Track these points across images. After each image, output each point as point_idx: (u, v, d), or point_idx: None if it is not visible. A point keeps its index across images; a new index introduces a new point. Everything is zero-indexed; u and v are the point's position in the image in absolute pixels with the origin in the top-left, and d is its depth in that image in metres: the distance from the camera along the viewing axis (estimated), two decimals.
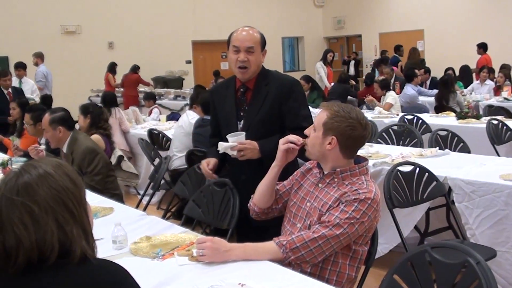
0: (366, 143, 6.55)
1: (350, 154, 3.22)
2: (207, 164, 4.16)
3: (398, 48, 17.62)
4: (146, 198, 6.48)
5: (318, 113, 3.27)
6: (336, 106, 3.21)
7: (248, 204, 3.63)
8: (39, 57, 14.51)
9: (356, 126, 3.12)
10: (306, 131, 3.31)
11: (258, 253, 3.03)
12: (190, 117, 7.51)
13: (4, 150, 8.29)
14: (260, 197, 3.53)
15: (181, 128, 7.55)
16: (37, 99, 12.08)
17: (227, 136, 3.88)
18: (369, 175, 3.25)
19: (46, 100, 11.47)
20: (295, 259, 3.00)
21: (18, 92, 11.01)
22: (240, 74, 4.00)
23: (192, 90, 13.40)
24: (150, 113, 11.97)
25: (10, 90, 10.82)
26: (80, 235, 1.97)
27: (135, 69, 16.88)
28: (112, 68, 16.81)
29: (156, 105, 12.65)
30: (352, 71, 21.54)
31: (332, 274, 3.14)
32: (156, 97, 13.88)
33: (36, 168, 2.00)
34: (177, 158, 7.35)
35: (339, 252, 3.10)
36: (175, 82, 18.96)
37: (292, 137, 3.38)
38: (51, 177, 1.98)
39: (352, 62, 22.11)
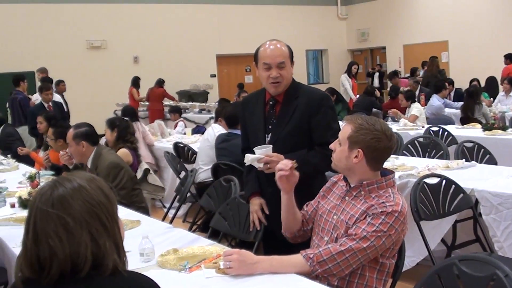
0: (392, 155, 6.53)
1: (377, 166, 3.21)
2: (259, 207, 4.14)
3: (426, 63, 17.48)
4: (172, 211, 6.50)
5: (342, 127, 3.27)
6: (360, 119, 3.20)
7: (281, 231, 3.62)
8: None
9: (381, 137, 3.12)
10: (331, 146, 3.30)
11: (285, 266, 3.03)
12: (216, 130, 7.52)
13: (32, 163, 8.38)
14: (285, 224, 3.54)
15: (207, 141, 7.57)
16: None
17: (254, 149, 3.87)
18: (396, 187, 3.23)
19: None
20: (322, 272, 2.99)
21: (58, 106, 11.26)
22: (273, 88, 3.97)
23: (217, 103, 13.47)
24: (175, 126, 12.01)
25: (50, 104, 11.02)
26: (112, 248, 2.00)
27: (160, 83, 16.97)
28: (135, 82, 16.88)
29: (182, 119, 12.70)
30: (376, 83, 21.46)
31: (359, 287, 3.13)
32: (181, 110, 13.95)
33: (71, 181, 2.03)
34: (203, 171, 7.37)
35: (366, 265, 3.09)
36: (200, 96, 19.03)
37: (280, 165, 3.36)
38: (85, 190, 2.01)
39: (377, 74, 22.03)
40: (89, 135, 5.67)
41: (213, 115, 14.07)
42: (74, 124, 5.92)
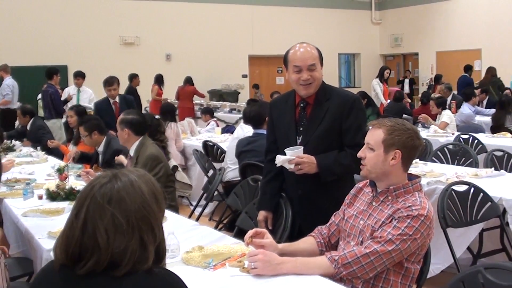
0: (421, 162, 6.51)
1: (408, 166, 3.23)
2: (265, 220, 4.23)
3: (469, 68, 17.25)
4: (198, 209, 6.53)
5: (369, 132, 3.26)
6: (388, 121, 3.22)
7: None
8: (3, 70, 14.06)
9: (414, 136, 3.16)
10: (359, 154, 3.28)
11: (309, 267, 3.02)
12: (245, 130, 7.53)
13: (61, 156, 8.46)
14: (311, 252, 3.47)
15: (236, 141, 7.59)
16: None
17: (285, 150, 3.89)
18: (422, 191, 3.22)
19: (9, 114, 11.68)
20: (347, 274, 2.98)
21: (128, 102, 9.77)
22: (304, 90, 3.99)
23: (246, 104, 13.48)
24: (207, 126, 12.04)
25: (117, 100, 9.64)
26: (153, 254, 2.03)
27: (190, 81, 16.98)
28: (159, 79, 16.73)
29: (214, 119, 12.71)
30: (407, 89, 21.32)
31: None
32: (213, 110, 13.98)
33: (132, 183, 2.05)
34: (231, 170, 7.38)
35: (391, 269, 3.08)
36: (230, 96, 19.07)
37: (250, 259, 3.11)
38: (144, 196, 2.04)
39: (407, 81, 21.89)
40: (133, 124, 5.71)
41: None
42: (126, 110, 5.97)
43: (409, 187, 3.17)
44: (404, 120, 3.27)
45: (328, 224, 3.52)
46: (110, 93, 9.58)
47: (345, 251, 3.04)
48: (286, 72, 4.08)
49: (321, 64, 4.02)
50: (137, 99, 15.10)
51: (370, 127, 3.30)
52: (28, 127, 9.86)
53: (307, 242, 3.51)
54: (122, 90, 16.01)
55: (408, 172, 3.27)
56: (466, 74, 17.07)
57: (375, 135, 3.21)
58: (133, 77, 15.72)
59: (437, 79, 18.19)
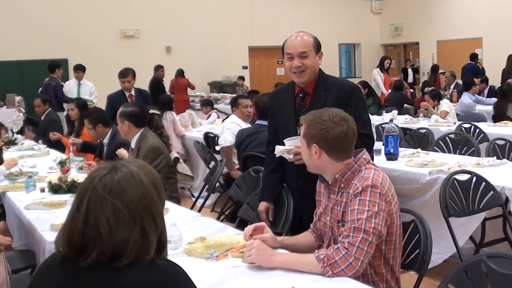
0: (422, 151, 6.50)
1: (341, 156, 3.15)
2: (266, 211, 4.24)
3: (475, 56, 17.15)
4: (200, 201, 6.53)
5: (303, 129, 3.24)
6: (310, 114, 3.19)
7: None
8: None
9: (329, 126, 3.09)
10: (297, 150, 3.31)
11: (299, 263, 2.98)
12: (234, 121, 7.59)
13: (63, 149, 8.46)
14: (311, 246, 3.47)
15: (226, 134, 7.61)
16: (95, 101, 12.31)
17: (284, 140, 3.89)
18: (370, 163, 3.19)
19: None
20: (335, 274, 2.88)
21: (143, 96, 9.29)
22: (297, 78, 4.02)
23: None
24: (208, 118, 12.04)
25: (132, 93, 9.08)
26: (155, 244, 2.03)
27: (182, 73, 16.96)
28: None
29: (215, 110, 12.71)
30: (411, 78, 21.28)
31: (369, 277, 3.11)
32: (212, 101, 13.99)
33: (132, 173, 2.05)
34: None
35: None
36: (231, 87, 19.07)
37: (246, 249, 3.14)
38: (143, 185, 2.04)
39: (410, 70, 21.84)
40: (133, 116, 5.71)
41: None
42: (125, 103, 5.96)
43: (354, 166, 3.15)
44: (329, 110, 3.20)
45: (313, 224, 3.53)
46: (124, 85, 9.03)
47: (331, 249, 2.96)
48: (283, 61, 4.10)
49: (317, 52, 4.02)
50: (162, 91, 15.15)
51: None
52: (42, 117, 9.87)
53: (306, 236, 3.52)
54: (108, 81, 16.22)
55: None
56: (472, 62, 16.97)
57: (301, 131, 3.22)
58: (158, 68, 15.89)
59: (434, 69, 18.15)
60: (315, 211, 3.51)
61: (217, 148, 7.55)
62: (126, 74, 9.07)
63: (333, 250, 2.95)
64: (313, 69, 4.00)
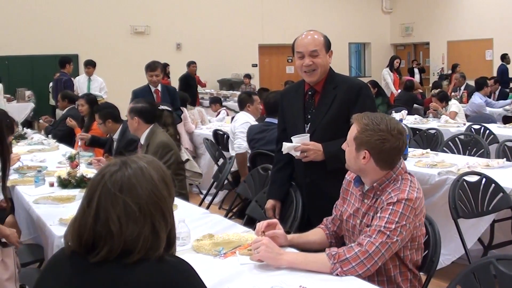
0: (432, 152, 6.49)
1: (388, 166, 3.12)
2: (273, 208, 4.25)
3: (504, 56, 16.92)
4: (208, 198, 6.53)
5: (351, 127, 3.20)
6: (366, 118, 3.12)
7: None
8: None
9: (386, 138, 3.04)
10: (343, 146, 3.26)
11: (308, 261, 2.97)
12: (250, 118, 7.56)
13: (72, 144, 8.48)
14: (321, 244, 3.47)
15: (231, 132, 7.60)
16: (105, 96, 12.34)
17: (291, 137, 3.90)
18: (407, 173, 3.17)
19: None
20: (345, 271, 2.88)
21: (170, 92, 8.74)
22: (307, 77, 4.01)
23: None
24: (217, 115, 12.04)
25: (159, 88, 8.53)
26: (165, 240, 2.03)
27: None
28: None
29: (224, 108, 12.70)
30: (417, 78, 21.20)
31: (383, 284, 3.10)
32: (222, 99, 13.99)
33: (142, 170, 2.05)
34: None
35: (388, 259, 3.03)
36: (240, 85, 19.07)
37: (254, 244, 3.14)
38: (154, 182, 2.04)
39: (417, 70, 21.75)
40: (143, 112, 5.73)
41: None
42: (135, 99, 5.96)
43: (392, 176, 3.13)
44: (386, 118, 3.14)
45: (331, 219, 3.52)
46: (152, 79, 8.42)
47: (343, 247, 2.99)
48: (294, 59, 4.09)
49: (327, 51, 4.01)
50: (194, 88, 15.19)
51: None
52: (64, 111, 9.92)
53: (317, 233, 3.50)
54: (118, 77, 16.23)
55: None
56: (503, 63, 16.74)
57: (351, 130, 3.17)
58: (190, 64, 16.15)
59: (454, 68, 18.02)
60: (337, 208, 3.49)
61: (231, 153, 7.49)
62: (155, 67, 8.47)
63: (345, 248, 2.96)
64: (324, 68, 3.99)
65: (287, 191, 4.26)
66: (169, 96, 8.52)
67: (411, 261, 3.14)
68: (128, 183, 1.99)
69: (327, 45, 4.01)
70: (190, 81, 15.83)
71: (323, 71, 3.99)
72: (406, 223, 2.95)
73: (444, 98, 10.86)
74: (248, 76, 19.12)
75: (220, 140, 8.61)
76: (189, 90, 14.69)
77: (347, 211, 3.35)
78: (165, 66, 16.02)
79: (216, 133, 8.79)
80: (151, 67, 8.45)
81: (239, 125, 7.51)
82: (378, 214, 3.00)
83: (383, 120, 3.09)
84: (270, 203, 4.27)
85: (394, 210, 2.95)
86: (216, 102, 12.81)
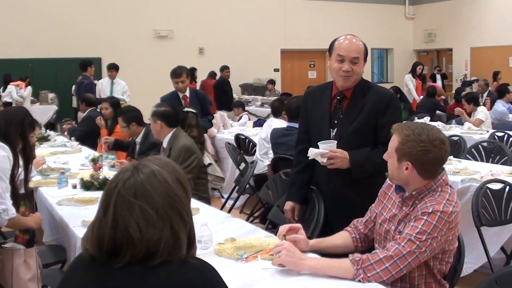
0: (454, 159, 6.45)
1: (431, 175, 3.09)
2: (292, 210, 4.24)
3: None
4: (229, 202, 6.54)
5: (392, 137, 3.17)
6: (407, 129, 3.08)
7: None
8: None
9: (429, 149, 3.00)
10: (384, 156, 3.24)
11: (331, 267, 2.95)
12: (275, 125, 7.53)
13: (93, 146, 8.54)
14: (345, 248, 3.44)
15: (265, 134, 7.57)
16: (128, 100, 12.40)
17: (318, 143, 3.87)
18: (447, 185, 3.14)
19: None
20: (369, 278, 2.87)
21: (199, 98, 8.47)
22: (342, 81, 3.95)
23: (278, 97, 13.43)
24: (239, 119, 12.05)
25: (187, 94, 8.23)
26: (186, 240, 2.03)
27: (213, 75, 17.02)
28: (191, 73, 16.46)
29: (246, 112, 12.70)
30: (439, 85, 21.07)
31: None
32: (244, 103, 13.99)
33: (155, 173, 2.05)
34: (261, 162, 7.35)
35: (416, 268, 3.02)
36: (262, 90, 19.08)
37: (276, 249, 3.11)
38: (168, 185, 2.04)
39: (439, 76, 21.63)
40: (166, 116, 5.75)
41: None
42: (158, 103, 5.99)
43: (433, 186, 3.09)
44: (427, 128, 3.09)
45: (364, 220, 3.48)
46: (178, 86, 8.12)
47: (367, 254, 2.97)
48: (329, 60, 4.05)
49: (365, 60, 3.99)
50: (229, 93, 15.38)
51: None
52: (84, 114, 10.00)
53: (341, 237, 3.47)
54: (142, 81, 16.28)
55: None
56: None
57: (392, 141, 3.14)
58: (223, 69, 16.14)
59: (495, 75, 17.59)
60: (372, 210, 3.46)
61: (260, 158, 7.42)
62: (179, 73, 8.16)
63: (369, 254, 2.94)
64: (359, 76, 3.96)
65: (306, 193, 4.25)
66: (198, 102, 8.31)
67: (439, 271, 3.11)
68: (142, 188, 1.99)
69: (366, 53, 3.99)
70: (224, 86, 15.82)
71: (357, 79, 3.97)
72: (437, 235, 2.92)
73: (472, 100, 10.79)
74: (271, 82, 19.10)
75: (242, 145, 8.62)
76: (223, 95, 14.69)
77: (382, 214, 3.33)
78: (192, 71, 16.08)
79: (238, 137, 8.79)
80: (176, 73, 8.18)
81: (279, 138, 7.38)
82: (411, 223, 2.98)
83: (424, 130, 3.06)
84: (289, 205, 4.26)
85: (427, 221, 2.92)
86: (238, 106, 12.81)
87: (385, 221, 3.28)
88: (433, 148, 3.01)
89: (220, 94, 15.27)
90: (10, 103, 13.65)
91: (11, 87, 15.05)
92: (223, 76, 16.10)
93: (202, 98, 8.55)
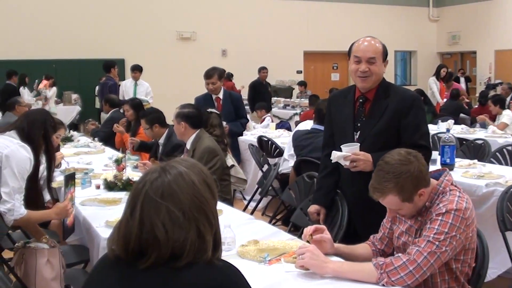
0: (479, 163, 6.39)
1: (429, 179, 3.14)
2: (317, 212, 4.23)
3: None
4: (252, 204, 6.53)
5: (385, 199, 3.12)
6: (386, 182, 3.03)
7: None
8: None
9: (415, 162, 3.03)
10: (389, 215, 3.29)
11: (354, 271, 2.95)
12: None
13: (113, 145, 8.59)
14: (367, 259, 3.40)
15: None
16: (151, 101, 12.44)
17: (341, 146, 3.87)
18: (453, 185, 3.15)
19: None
20: (393, 282, 2.85)
21: (233, 99, 8.45)
22: (360, 82, 3.96)
23: (301, 99, 13.40)
24: (262, 121, 12.04)
25: (220, 96, 8.25)
26: (212, 242, 2.03)
27: (228, 76, 16.98)
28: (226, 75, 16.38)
29: (269, 114, 12.68)
30: (463, 88, 20.93)
31: None
32: (266, 105, 13.91)
33: (182, 175, 2.05)
34: (288, 162, 7.32)
35: (438, 271, 3.01)
36: (284, 91, 19.04)
37: (299, 250, 3.12)
38: (195, 186, 2.03)
39: (463, 79, 21.46)
40: (190, 117, 5.75)
41: (298, 111, 13.95)
42: (181, 104, 6.00)
43: (439, 189, 3.12)
44: (391, 153, 3.11)
45: (379, 237, 3.48)
46: (208, 87, 8.15)
47: (390, 257, 2.97)
48: (349, 63, 4.06)
49: (384, 60, 3.98)
50: (265, 94, 15.28)
51: (375, 196, 3.15)
52: (108, 115, 10.06)
53: (364, 247, 3.47)
54: (165, 83, 16.34)
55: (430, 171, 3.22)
56: None
57: (391, 202, 3.10)
58: (260, 70, 15.95)
59: None
60: (384, 225, 3.46)
61: (289, 164, 7.40)
62: (210, 75, 8.17)
63: (393, 258, 2.93)
64: (378, 76, 3.95)
65: (332, 198, 4.23)
66: (232, 104, 8.34)
67: (462, 273, 3.09)
68: (169, 189, 1.99)
69: (385, 54, 3.98)
70: (259, 88, 15.63)
71: (377, 79, 3.96)
72: (456, 233, 2.92)
73: (498, 102, 10.70)
74: (302, 83, 18.98)
75: (264, 147, 8.60)
76: (258, 97, 14.61)
77: (399, 228, 3.32)
78: (260, 70, 16.28)
79: (260, 139, 8.77)
80: (206, 74, 8.20)
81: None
82: (428, 225, 2.97)
83: (392, 159, 3.07)
84: (314, 207, 4.25)
85: (443, 221, 2.93)
86: (262, 108, 12.77)
87: (402, 234, 3.28)
88: (416, 159, 3.06)
89: (252, 95, 15.18)
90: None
91: (23, 90, 15.17)
92: (260, 77, 15.93)
93: (236, 101, 8.53)
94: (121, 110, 9.53)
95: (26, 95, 14.89)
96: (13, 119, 6.48)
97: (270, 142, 8.50)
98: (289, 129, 11.47)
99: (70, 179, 4.39)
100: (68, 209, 4.25)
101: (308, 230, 3.29)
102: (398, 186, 3.01)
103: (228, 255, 3.30)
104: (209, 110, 6.69)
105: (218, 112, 6.82)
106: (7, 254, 4.47)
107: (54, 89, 15.66)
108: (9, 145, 4.07)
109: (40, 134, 4.30)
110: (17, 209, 3.98)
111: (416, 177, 3.02)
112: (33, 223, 4.24)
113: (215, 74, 8.15)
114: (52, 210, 4.25)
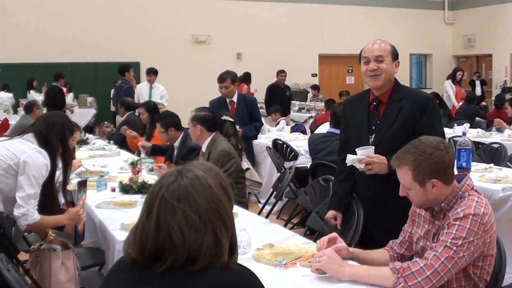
0: (495, 167, 6.35)
1: (452, 178, 3.10)
2: (334, 218, 4.22)
3: None
4: (266, 207, 6.52)
5: (397, 172, 3.14)
6: (407, 156, 3.06)
7: None
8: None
9: (441, 155, 3.02)
10: (401, 193, 3.20)
11: (370, 275, 2.93)
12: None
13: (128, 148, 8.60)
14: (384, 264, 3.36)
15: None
16: (166, 104, 12.46)
17: (356, 149, 3.86)
18: (473, 190, 3.12)
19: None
20: (408, 286, 2.82)
21: (247, 103, 8.48)
22: (371, 81, 3.95)
23: (316, 103, 13.37)
24: (276, 125, 12.03)
25: (234, 99, 8.34)
26: (228, 246, 2.02)
27: (248, 76, 16.94)
28: (246, 78, 16.41)
29: (284, 118, 12.66)
30: (478, 91, 20.81)
31: None
32: (281, 108, 13.88)
33: (199, 178, 2.04)
34: (304, 157, 7.29)
35: (455, 277, 2.98)
36: (299, 95, 19.02)
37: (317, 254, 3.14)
38: (212, 190, 2.03)
39: (478, 82, 21.34)
40: (206, 120, 5.75)
41: (312, 114, 13.94)
42: (197, 107, 6.01)
43: (459, 193, 3.09)
44: (420, 140, 3.12)
45: (399, 242, 3.45)
46: (221, 91, 8.18)
47: (407, 262, 2.96)
48: (361, 67, 4.06)
49: (394, 60, 3.97)
50: (282, 97, 15.19)
51: (393, 163, 3.18)
52: (123, 118, 10.10)
53: (381, 252, 3.45)
54: (180, 86, 16.35)
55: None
56: None
57: (403, 176, 3.11)
58: (278, 73, 15.81)
59: None
60: (405, 230, 3.42)
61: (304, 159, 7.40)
62: (223, 79, 8.20)
63: (410, 262, 2.92)
64: (389, 75, 3.94)
65: (348, 202, 4.22)
66: (246, 108, 8.36)
67: (480, 279, 3.06)
68: (185, 192, 1.99)
69: (394, 53, 3.98)
70: (275, 91, 15.47)
71: (388, 78, 3.94)
72: (474, 239, 2.89)
73: None
74: (315, 87, 18.98)
75: (279, 150, 8.59)
76: (274, 100, 14.57)
77: (417, 233, 3.30)
78: (247, 76, 16.18)
79: (275, 142, 8.77)
80: (220, 78, 8.23)
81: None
82: (445, 230, 2.95)
83: (421, 144, 3.08)
84: (331, 213, 4.25)
85: (461, 226, 2.90)
86: (276, 111, 12.76)
87: (420, 239, 3.26)
88: (446, 150, 3.05)
89: (268, 98, 15.13)
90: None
91: (34, 93, 15.24)
92: (278, 80, 15.83)
93: (251, 105, 8.54)
94: (136, 113, 9.55)
95: (35, 96, 14.98)
96: (29, 122, 6.51)
97: (285, 145, 8.49)
98: (304, 132, 11.46)
99: (82, 185, 4.40)
100: (80, 215, 4.26)
101: (321, 243, 3.27)
102: (416, 162, 3.02)
103: (243, 258, 3.27)
104: (223, 118, 6.67)
105: (232, 120, 6.79)
106: (23, 256, 4.48)
107: (71, 95, 15.74)
108: (27, 150, 4.09)
109: (58, 137, 4.31)
110: (31, 214, 3.99)
111: (435, 163, 3.01)
112: (46, 228, 4.26)
113: (228, 78, 8.18)
114: (64, 215, 4.26)
